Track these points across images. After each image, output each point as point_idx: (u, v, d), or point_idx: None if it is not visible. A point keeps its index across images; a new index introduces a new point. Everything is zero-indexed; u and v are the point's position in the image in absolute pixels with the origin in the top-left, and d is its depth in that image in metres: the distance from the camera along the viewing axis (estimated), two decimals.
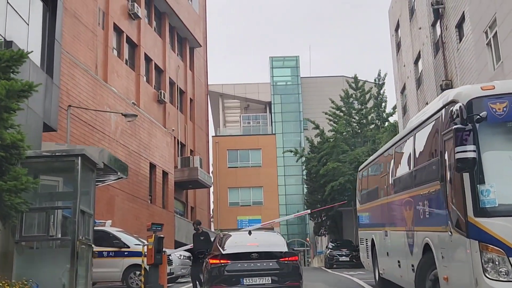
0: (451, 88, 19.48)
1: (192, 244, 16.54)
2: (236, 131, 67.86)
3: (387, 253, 12.11)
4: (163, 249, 14.91)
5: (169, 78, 41.52)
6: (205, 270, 12.10)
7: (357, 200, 16.96)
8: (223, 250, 12.08)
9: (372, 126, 39.50)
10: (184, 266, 21.04)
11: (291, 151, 42.64)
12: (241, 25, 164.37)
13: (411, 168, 9.61)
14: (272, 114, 66.57)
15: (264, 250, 11.84)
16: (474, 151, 6.56)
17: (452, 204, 7.33)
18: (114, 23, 32.17)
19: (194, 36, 46.60)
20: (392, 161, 11.41)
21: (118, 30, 33.20)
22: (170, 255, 18.75)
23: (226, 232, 14.53)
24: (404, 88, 28.55)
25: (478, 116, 6.81)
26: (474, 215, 6.72)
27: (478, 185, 6.74)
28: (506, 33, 14.96)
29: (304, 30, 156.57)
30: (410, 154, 9.96)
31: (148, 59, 37.62)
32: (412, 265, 9.66)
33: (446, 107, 7.71)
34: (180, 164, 41.05)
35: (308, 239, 59.06)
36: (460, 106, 6.96)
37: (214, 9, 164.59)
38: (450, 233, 7.45)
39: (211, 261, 11.75)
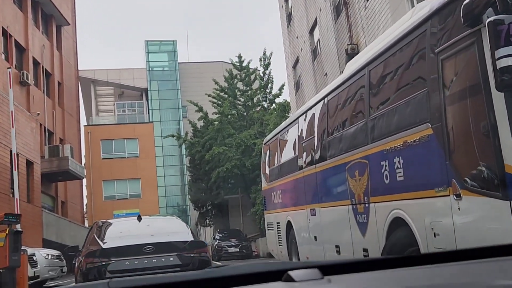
0: (357, 52, 17.44)
1: None
2: (110, 120, 63.38)
3: (315, 237, 9.59)
4: (22, 248, 11.45)
5: (33, 58, 36.92)
6: (78, 273, 8.93)
7: (262, 179, 14.37)
8: (103, 243, 8.94)
9: (259, 108, 37.33)
10: (53, 268, 17.48)
11: (173, 136, 39.51)
12: (115, 7, 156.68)
13: (367, 117, 7.06)
14: (149, 101, 62.76)
15: (162, 240, 8.87)
16: None
17: (464, 153, 4.84)
18: None
19: (61, 13, 42.08)
20: (326, 116, 8.84)
21: None
22: (33, 254, 15.19)
23: (106, 220, 11.10)
24: (297, 62, 26.46)
25: None
26: None
27: None
28: None
29: (182, 11, 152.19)
30: (360, 98, 7.43)
31: (6, 35, 32.91)
32: (366, 250, 7.17)
33: (442, 11, 5.18)
34: (48, 154, 36.66)
35: None
36: None
37: None
38: (455, 197, 4.96)
39: (87, 259, 8.61)
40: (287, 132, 11.68)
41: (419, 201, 5.66)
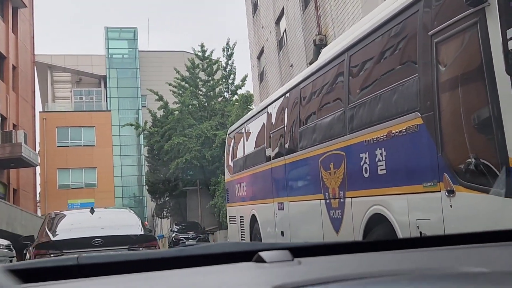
0: (326, 43, 17.04)
1: None
2: (67, 107, 61.74)
3: (282, 232, 9.12)
4: None
5: None
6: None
7: (225, 170, 13.84)
8: (54, 235, 8.94)
9: (220, 99, 36.72)
10: (1, 257, 16.65)
11: (132, 125, 38.59)
12: None
13: (345, 106, 6.59)
14: (108, 89, 61.38)
15: (111, 233, 8.87)
16: None
17: (460, 145, 4.41)
18: None
19: None
20: (299, 105, 8.35)
21: None
22: None
23: (60, 212, 10.87)
24: (261, 53, 25.95)
25: None
26: None
27: None
28: None
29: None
30: (338, 86, 6.96)
31: None
32: None
33: None
34: (0, 140, 35.35)
35: (146, 222, 55.10)
36: None
37: None
38: (447, 193, 4.54)
39: (36, 251, 8.57)
40: (254, 122, 11.17)
41: (404, 197, 5.23)
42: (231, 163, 13.09)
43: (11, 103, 39.35)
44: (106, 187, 54.60)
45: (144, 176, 54.22)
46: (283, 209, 9.05)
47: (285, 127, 8.93)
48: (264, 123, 10.35)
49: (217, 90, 36.85)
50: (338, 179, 6.71)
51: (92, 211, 10.20)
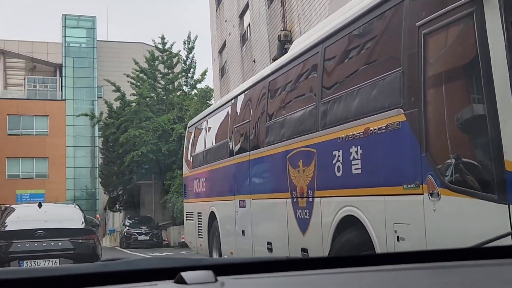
0: (291, 39, 16.75)
1: None
2: (19, 95, 59.88)
3: (243, 231, 8.74)
4: None
5: None
6: None
7: (184, 165, 13.38)
8: (2, 227, 9.88)
9: (179, 92, 36.12)
10: None
11: (87, 115, 37.63)
12: None
13: (318, 100, 6.23)
14: (63, 78, 59.88)
15: (53, 226, 9.81)
16: None
17: (447, 145, 4.10)
18: None
19: None
20: (266, 99, 7.96)
21: None
22: None
23: (9, 205, 11.85)
24: (223, 47, 25.51)
25: None
26: None
27: None
28: None
29: None
30: (310, 79, 6.61)
31: None
32: (305, 250, 6.38)
33: None
34: None
35: (98, 216, 53.90)
36: None
37: None
38: (430, 196, 4.22)
39: None
40: (217, 116, 10.75)
41: (380, 198, 4.90)
42: (190, 158, 12.64)
43: None
44: (58, 178, 53.15)
45: (97, 169, 53.09)
46: (244, 207, 8.67)
47: (251, 122, 8.54)
48: (227, 117, 9.95)
49: (176, 83, 36.28)
50: (307, 178, 6.36)
51: (40, 206, 10.89)
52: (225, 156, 9.74)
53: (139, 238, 29.92)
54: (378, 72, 5.06)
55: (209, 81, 34.18)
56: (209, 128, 11.27)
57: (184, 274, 1.28)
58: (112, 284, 1.30)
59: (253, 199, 8.31)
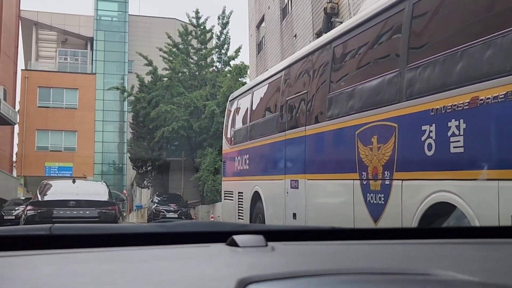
0: (338, 12, 15.73)
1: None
2: (50, 67, 59.62)
3: (294, 214, 7.88)
4: None
5: None
6: (23, 217, 12.08)
7: (224, 141, 12.54)
8: (42, 197, 12.26)
9: (212, 69, 35.25)
10: None
11: (118, 88, 36.99)
12: None
13: (402, 66, 5.27)
14: (94, 51, 59.41)
15: (82, 198, 12.00)
16: None
17: None
18: None
19: None
20: (330, 66, 7.02)
21: None
22: None
23: (49, 181, 14.15)
24: (261, 21, 24.50)
25: None
26: None
27: None
28: None
29: None
30: (393, 39, 5.66)
31: None
32: None
33: None
34: None
35: (125, 191, 53.61)
36: None
37: None
38: None
39: (28, 208, 12.00)
40: (265, 88, 9.86)
41: (493, 184, 3.98)
42: (230, 134, 11.79)
43: None
44: (86, 152, 52.95)
45: (125, 144, 52.69)
46: (297, 188, 7.80)
47: (308, 93, 7.63)
48: (278, 89, 9.04)
49: (209, 59, 35.41)
50: (383, 156, 5.45)
51: (74, 181, 13.41)
52: (274, 131, 8.86)
53: (167, 216, 29.23)
54: (496, 25, 4.10)
55: (244, 58, 33.22)
56: (255, 101, 10.39)
57: (236, 237, 1.29)
58: (168, 244, 1.33)
59: (308, 179, 7.43)
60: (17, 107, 48.33)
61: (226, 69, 34.81)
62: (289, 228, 1.50)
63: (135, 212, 44.91)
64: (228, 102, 12.47)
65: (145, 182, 39.11)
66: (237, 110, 11.53)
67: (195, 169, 32.45)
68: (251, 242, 1.29)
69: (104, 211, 11.85)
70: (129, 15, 61.18)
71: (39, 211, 11.61)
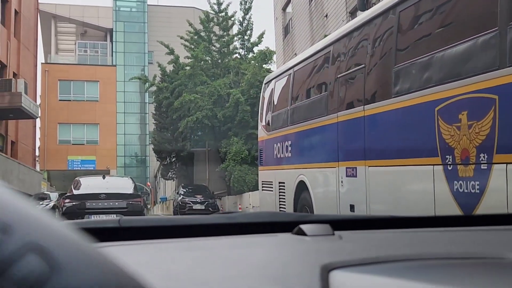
0: None
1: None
2: (70, 60, 59.11)
3: (351, 206, 6.93)
4: None
5: None
6: (59, 210, 13.64)
7: (259, 126, 11.62)
8: (75, 191, 13.61)
9: (235, 56, 34.30)
10: None
11: (140, 79, 36.22)
12: None
13: (501, 23, 4.29)
14: (113, 43, 58.78)
15: (112, 191, 13.33)
16: None
17: None
18: None
19: None
20: (393, 35, 6.04)
21: None
22: None
23: (81, 177, 15.37)
24: (288, 3, 23.46)
25: None
26: None
27: None
28: None
29: None
30: None
31: None
32: None
33: None
34: None
35: (149, 183, 53.04)
36: None
37: None
38: None
39: (63, 201, 13.46)
40: (309, 65, 8.90)
41: None
42: (268, 119, 10.86)
43: (12, 50, 36.98)
44: (108, 145, 52.40)
45: (147, 136, 52.05)
46: (355, 176, 6.85)
47: (366, 67, 6.65)
48: (326, 65, 8.08)
49: (231, 46, 34.46)
50: (477, 136, 4.48)
51: (103, 177, 14.88)
52: (323, 113, 7.91)
53: (194, 207, 28.42)
54: None
55: (268, 43, 32.22)
56: (296, 81, 9.43)
57: (304, 227, 1.30)
58: (236, 235, 1.35)
59: (370, 166, 6.47)
60: (38, 101, 47.99)
61: (250, 56, 33.87)
62: (354, 217, 1.50)
63: (160, 204, 44.30)
64: (263, 85, 11.53)
65: (169, 173, 38.37)
66: (275, 93, 10.59)
67: (221, 159, 31.65)
68: (318, 231, 1.29)
69: (131, 202, 13.25)
70: (148, 5, 60.41)
71: (74, 203, 12.95)
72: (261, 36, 34.00)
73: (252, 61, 31.13)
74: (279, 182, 9.92)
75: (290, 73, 9.64)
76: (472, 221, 1.55)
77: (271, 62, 29.93)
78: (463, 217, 1.63)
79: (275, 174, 10.20)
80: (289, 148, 9.43)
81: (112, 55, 58.47)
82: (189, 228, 1.40)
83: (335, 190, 7.43)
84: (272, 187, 10.35)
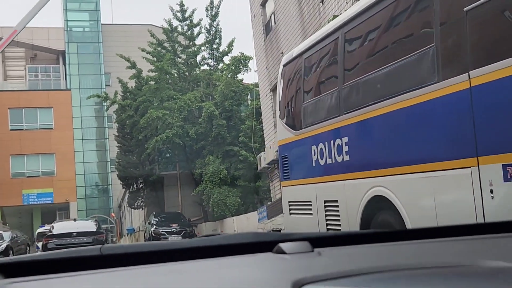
0: None
1: None
2: (20, 86, 54.98)
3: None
4: None
5: None
6: (42, 245, 19.31)
7: (278, 125, 8.41)
8: (54, 231, 19.82)
9: (204, 67, 31.13)
10: None
11: (99, 96, 32.64)
12: None
13: None
14: (67, 65, 54.94)
15: (80, 230, 19.70)
16: None
17: None
18: None
19: None
20: None
21: None
22: None
23: (55, 222, 23.00)
24: None
25: None
26: None
27: None
28: None
29: None
30: None
31: None
32: None
33: None
34: None
35: (113, 214, 48.97)
36: None
37: None
38: None
39: (45, 239, 19.30)
40: (378, 14, 5.73)
41: None
42: (294, 111, 7.67)
43: None
44: (66, 175, 48.47)
45: (109, 163, 48.29)
46: None
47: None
48: (391, 14, 4.92)
49: (199, 57, 31.33)
50: None
51: (74, 220, 23.26)
52: (429, 79, 4.75)
53: (169, 239, 24.85)
54: None
55: (242, 49, 29.20)
56: (355, 43, 6.26)
57: (283, 245, 1.31)
58: (215, 257, 1.35)
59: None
60: None
61: (220, 66, 30.76)
62: (334, 234, 1.50)
63: (128, 237, 40.32)
64: (281, 68, 8.30)
65: (137, 201, 34.57)
66: (305, 74, 7.39)
67: (195, 182, 28.31)
68: (297, 248, 1.30)
69: (96, 238, 19.02)
70: (102, 24, 56.85)
71: (53, 240, 18.70)
72: (231, 44, 31.02)
73: (225, 70, 27.99)
74: (325, 201, 6.70)
75: (338, 36, 6.44)
76: (445, 232, 1.55)
77: (247, 69, 26.87)
78: (437, 229, 1.63)
79: (316, 190, 6.97)
80: (345, 149, 6.21)
81: (65, 79, 54.66)
82: (170, 252, 1.39)
83: (470, 205, 4.24)
84: (310, 209, 7.12)
